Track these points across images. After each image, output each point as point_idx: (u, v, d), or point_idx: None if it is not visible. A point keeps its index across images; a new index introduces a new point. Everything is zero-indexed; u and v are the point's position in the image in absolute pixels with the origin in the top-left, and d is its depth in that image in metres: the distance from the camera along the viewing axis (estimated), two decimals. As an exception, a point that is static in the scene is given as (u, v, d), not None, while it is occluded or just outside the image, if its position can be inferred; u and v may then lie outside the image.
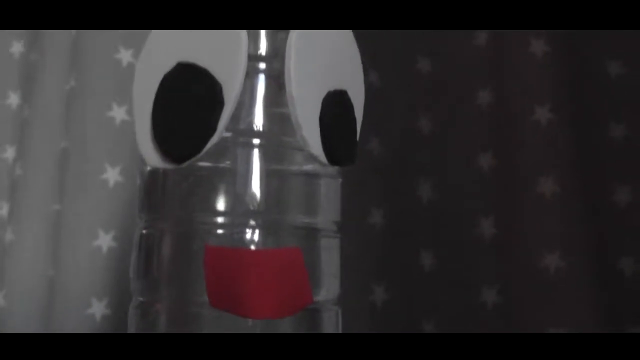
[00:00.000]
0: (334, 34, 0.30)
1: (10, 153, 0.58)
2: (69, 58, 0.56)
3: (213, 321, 0.28)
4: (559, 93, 0.50)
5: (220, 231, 0.28)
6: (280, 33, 0.29)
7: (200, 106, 0.27)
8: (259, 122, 0.28)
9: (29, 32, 0.59)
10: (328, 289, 0.31)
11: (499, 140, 0.52)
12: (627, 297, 0.48)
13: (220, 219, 0.28)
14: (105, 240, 0.52)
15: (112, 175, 0.53)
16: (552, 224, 0.48)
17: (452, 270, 0.52)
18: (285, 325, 0.28)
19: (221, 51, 0.27)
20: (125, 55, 0.54)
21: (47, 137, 0.56)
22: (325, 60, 0.29)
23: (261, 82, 0.29)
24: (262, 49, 0.29)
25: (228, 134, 0.28)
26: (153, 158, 0.28)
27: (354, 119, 0.30)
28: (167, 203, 0.30)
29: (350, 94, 0.30)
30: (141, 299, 0.30)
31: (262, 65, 0.29)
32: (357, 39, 0.31)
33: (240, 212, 0.28)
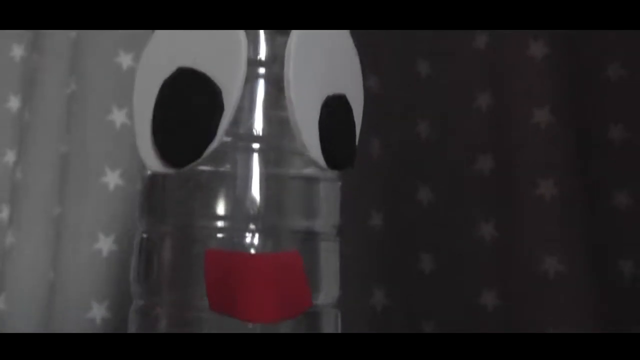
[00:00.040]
0: (333, 38, 0.30)
1: (10, 156, 0.58)
2: (69, 62, 0.56)
3: (213, 325, 0.28)
4: (559, 95, 0.50)
5: (220, 235, 0.28)
6: (280, 38, 0.29)
7: (200, 111, 0.27)
8: (258, 126, 0.29)
9: (29, 35, 0.59)
10: (327, 292, 0.31)
11: (498, 142, 0.52)
12: (626, 300, 0.48)
13: (220, 223, 0.28)
14: (105, 244, 0.52)
15: (112, 178, 0.53)
16: (551, 227, 0.48)
17: (452, 274, 0.52)
18: (285, 329, 0.29)
19: (221, 56, 0.28)
20: (125, 59, 0.54)
21: (47, 141, 0.56)
22: (324, 65, 0.29)
23: (261, 86, 0.29)
24: (262, 54, 0.29)
25: (228, 139, 0.28)
26: (153, 162, 0.28)
27: (353, 123, 0.30)
28: (167, 207, 0.30)
29: (349, 98, 0.30)
30: (142, 302, 0.30)
31: (262, 70, 0.29)
32: (357, 42, 0.31)
33: (240, 216, 0.28)
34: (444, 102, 0.54)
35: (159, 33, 0.29)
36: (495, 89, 0.52)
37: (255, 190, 0.28)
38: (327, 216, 0.31)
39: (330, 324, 0.31)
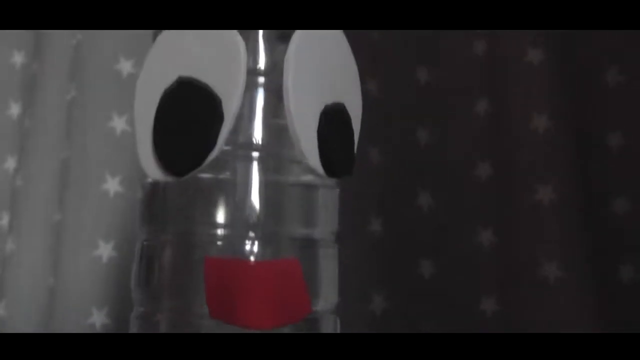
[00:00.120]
0: (332, 47, 0.30)
1: (11, 163, 0.59)
2: (69, 68, 0.56)
3: (213, 332, 0.28)
4: (557, 101, 0.50)
5: (220, 242, 0.29)
6: (279, 46, 0.29)
7: (200, 121, 0.28)
8: (258, 135, 0.29)
9: (30, 42, 0.59)
10: (327, 298, 0.31)
11: (497, 148, 0.52)
12: (625, 305, 0.48)
13: (220, 231, 0.29)
14: (105, 250, 0.52)
15: (113, 185, 0.53)
16: (550, 232, 0.49)
17: (452, 279, 0.52)
18: (285, 335, 0.29)
19: (221, 66, 0.28)
20: (125, 66, 0.54)
21: (47, 147, 0.56)
22: (323, 73, 0.30)
23: (260, 95, 0.29)
24: (261, 63, 0.29)
25: (228, 147, 0.28)
26: (154, 171, 0.28)
27: (351, 132, 0.31)
28: (167, 215, 0.30)
29: (348, 106, 0.30)
30: (142, 309, 0.30)
31: (261, 79, 0.29)
32: (356, 48, 0.31)
33: (239, 223, 0.28)
34: (443, 107, 0.54)
35: (160, 42, 0.29)
36: (494, 95, 0.52)
37: (255, 198, 0.28)
38: (326, 223, 0.31)
39: (330, 330, 0.31)
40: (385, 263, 0.53)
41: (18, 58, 0.60)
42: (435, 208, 0.53)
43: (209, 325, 0.28)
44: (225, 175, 0.29)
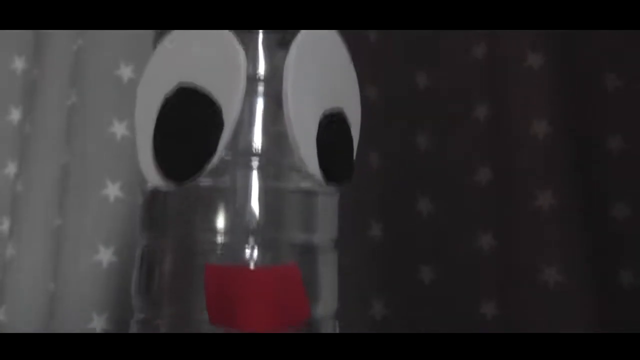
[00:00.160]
0: (331, 53, 0.30)
1: (11, 168, 0.59)
2: (70, 74, 0.56)
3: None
4: (557, 106, 0.50)
5: (220, 248, 0.29)
6: (278, 54, 0.29)
7: (200, 128, 0.28)
8: (257, 142, 0.29)
9: (30, 47, 0.59)
10: (326, 303, 0.31)
11: (497, 153, 0.52)
12: (625, 310, 0.48)
13: (220, 237, 0.29)
14: (105, 255, 0.52)
15: (113, 190, 0.53)
16: (550, 237, 0.49)
17: (452, 284, 0.52)
18: (285, 340, 0.29)
19: (221, 73, 0.28)
20: (125, 72, 0.54)
21: (48, 153, 0.56)
22: (322, 81, 0.30)
23: (260, 102, 0.29)
24: (261, 70, 0.29)
25: (227, 154, 0.28)
26: (154, 177, 0.28)
27: (350, 139, 0.31)
28: (167, 221, 0.30)
29: (347, 113, 0.30)
30: (142, 315, 0.30)
31: (261, 86, 0.29)
32: (355, 54, 0.32)
33: (239, 229, 0.29)
34: (442, 112, 0.54)
35: (160, 49, 0.29)
36: (494, 99, 0.52)
37: (255, 205, 0.29)
38: (325, 229, 0.31)
39: (330, 335, 0.31)
40: (385, 268, 0.53)
41: (19, 63, 0.60)
42: (435, 213, 0.53)
43: (209, 331, 0.28)
44: (225, 181, 0.29)
